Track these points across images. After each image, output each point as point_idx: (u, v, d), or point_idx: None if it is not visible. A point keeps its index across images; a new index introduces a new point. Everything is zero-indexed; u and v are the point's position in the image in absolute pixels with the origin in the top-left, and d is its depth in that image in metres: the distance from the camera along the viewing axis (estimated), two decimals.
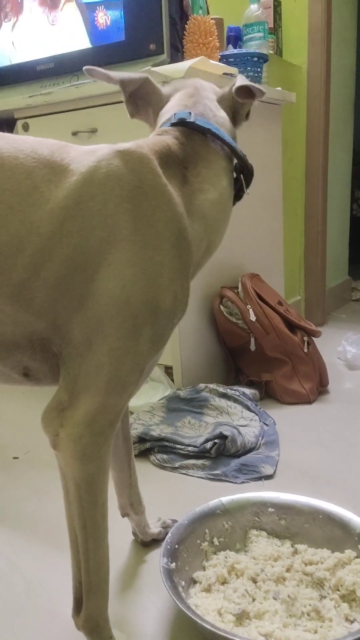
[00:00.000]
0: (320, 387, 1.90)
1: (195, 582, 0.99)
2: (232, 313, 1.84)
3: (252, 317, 1.79)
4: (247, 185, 0.94)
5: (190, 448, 1.47)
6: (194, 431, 1.57)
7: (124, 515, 1.09)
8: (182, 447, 1.48)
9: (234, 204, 0.94)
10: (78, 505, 0.72)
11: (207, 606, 0.92)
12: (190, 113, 0.87)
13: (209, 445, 1.46)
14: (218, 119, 0.91)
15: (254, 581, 0.97)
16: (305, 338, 1.87)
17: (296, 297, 2.70)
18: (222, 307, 1.85)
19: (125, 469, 1.06)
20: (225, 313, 1.84)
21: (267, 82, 2.16)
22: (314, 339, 1.94)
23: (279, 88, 2.21)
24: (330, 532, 1.05)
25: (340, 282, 3.02)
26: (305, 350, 1.84)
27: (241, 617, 0.89)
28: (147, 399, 1.75)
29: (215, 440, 1.46)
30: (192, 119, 0.85)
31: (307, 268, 2.70)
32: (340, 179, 2.90)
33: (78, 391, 0.71)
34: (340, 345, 2.23)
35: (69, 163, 0.72)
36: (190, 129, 0.86)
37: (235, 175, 0.94)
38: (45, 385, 0.79)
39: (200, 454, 1.46)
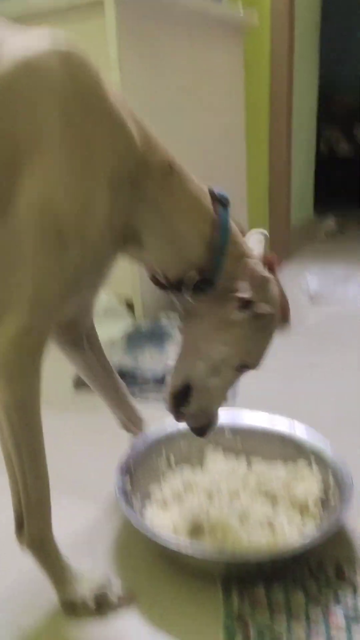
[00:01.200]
0: (282, 322, 1.90)
1: (150, 498, 1.00)
2: None
3: None
4: None
5: (151, 379, 1.46)
6: (155, 363, 1.56)
7: (127, 430, 1.09)
8: (143, 377, 1.47)
9: None
10: (8, 426, 0.71)
11: (162, 522, 0.92)
12: None
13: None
14: None
15: (209, 496, 0.97)
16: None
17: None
18: None
19: (108, 388, 1.04)
20: None
21: None
22: (279, 269, 1.92)
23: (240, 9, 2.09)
24: (284, 450, 1.06)
25: (305, 220, 2.99)
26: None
27: (196, 532, 0.90)
28: (107, 333, 1.72)
29: None
30: None
31: (271, 203, 2.66)
32: (307, 109, 2.83)
33: (1, 311, 0.68)
34: (303, 280, 2.23)
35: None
36: None
37: None
38: None
39: (161, 383, 1.45)
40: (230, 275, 0.78)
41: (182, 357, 0.86)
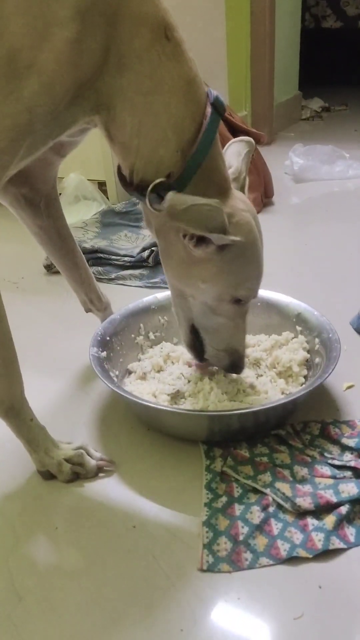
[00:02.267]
0: (264, 199, 1.81)
1: (130, 372, 0.96)
2: None
3: None
4: None
5: (126, 258, 1.39)
6: (130, 243, 1.48)
7: (87, 310, 1.05)
8: (118, 257, 1.39)
9: None
10: None
11: (141, 390, 0.89)
12: None
13: (146, 254, 1.37)
14: None
15: (190, 365, 0.94)
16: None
17: (242, 113, 2.49)
18: None
19: (72, 268, 0.98)
20: None
21: None
22: (259, 148, 1.80)
23: None
24: (268, 318, 1.02)
25: (289, 98, 2.79)
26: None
27: (176, 397, 0.87)
28: (79, 217, 1.62)
29: (153, 248, 1.37)
30: None
31: (253, 77, 2.45)
32: None
33: None
34: (287, 159, 2.10)
35: None
36: None
37: None
38: None
39: (138, 263, 1.38)
40: (195, 192, 0.67)
41: (175, 301, 0.80)
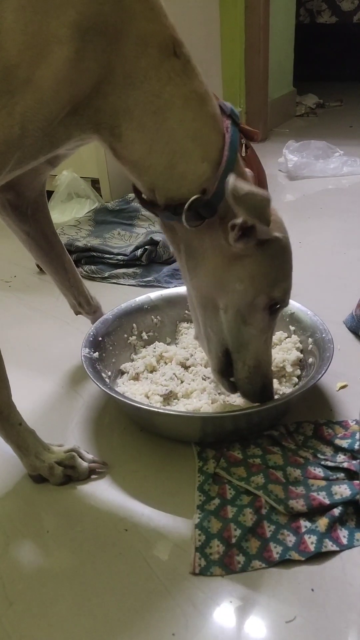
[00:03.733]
0: None
1: (122, 373, 0.95)
2: None
3: None
4: None
5: (119, 257, 1.38)
6: (123, 242, 1.47)
7: (77, 313, 1.04)
8: (111, 256, 1.39)
9: None
10: None
11: (134, 391, 0.88)
12: None
13: (139, 252, 1.37)
14: None
15: (183, 366, 0.93)
16: (243, 141, 1.71)
17: (237, 109, 2.47)
18: None
19: (61, 272, 0.97)
20: None
21: None
22: (254, 145, 1.79)
23: None
24: None
25: (284, 94, 2.78)
26: (243, 154, 1.69)
27: (169, 398, 0.87)
28: (72, 214, 1.61)
29: (146, 247, 1.37)
30: None
31: (248, 74, 2.44)
32: None
33: None
34: (281, 156, 2.09)
35: None
36: None
37: None
38: None
39: (131, 262, 1.37)
40: (227, 202, 0.64)
41: (203, 318, 0.75)
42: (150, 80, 0.61)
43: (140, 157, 0.65)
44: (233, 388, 0.79)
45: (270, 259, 0.71)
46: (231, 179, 0.60)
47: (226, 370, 0.78)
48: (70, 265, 0.98)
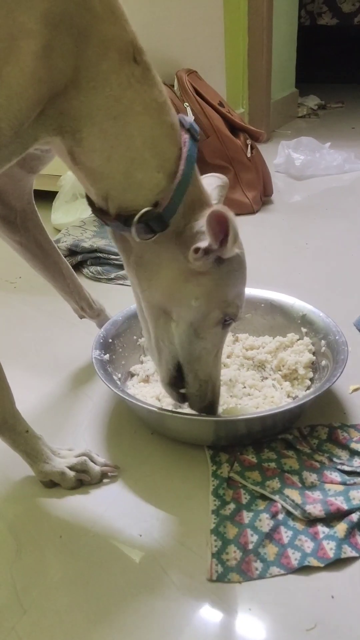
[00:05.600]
0: (264, 197, 1.79)
1: (132, 375, 0.94)
2: None
3: (190, 117, 1.60)
4: None
5: None
6: None
7: (81, 317, 1.03)
8: (117, 257, 1.37)
9: None
10: None
11: (145, 394, 0.87)
12: None
13: None
14: None
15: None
16: (249, 142, 1.71)
17: (239, 110, 2.47)
18: None
19: (59, 279, 0.96)
20: None
21: None
22: (258, 146, 1.79)
23: None
24: (272, 319, 1.00)
25: (286, 95, 2.78)
26: (249, 155, 1.69)
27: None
28: (77, 215, 1.60)
29: None
30: None
31: (251, 75, 2.44)
32: None
33: None
34: (287, 158, 2.08)
35: None
36: None
37: None
38: None
39: None
40: (183, 217, 0.64)
41: (155, 331, 0.73)
42: (112, 85, 0.59)
43: (99, 164, 0.62)
44: (182, 399, 0.78)
45: (227, 276, 0.69)
46: (212, 209, 0.59)
47: (176, 383, 0.77)
48: (68, 270, 0.97)
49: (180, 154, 0.63)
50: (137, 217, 0.62)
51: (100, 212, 0.67)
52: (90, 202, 0.68)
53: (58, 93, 0.57)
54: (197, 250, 0.64)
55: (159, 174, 0.63)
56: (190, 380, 0.75)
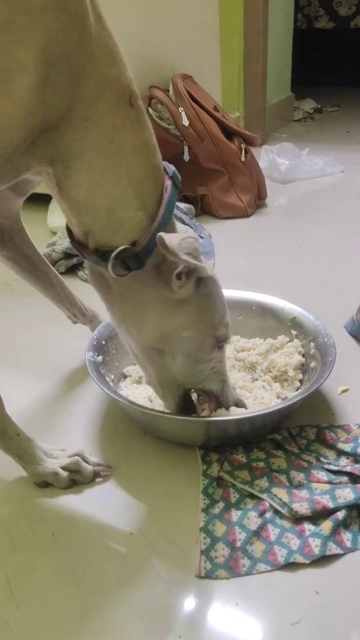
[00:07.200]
0: (258, 201, 1.81)
1: (125, 376, 0.96)
2: (163, 117, 1.65)
3: (185, 122, 1.62)
4: None
5: None
6: None
7: (74, 322, 1.06)
8: None
9: None
10: None
11: (137, 395, 0.89)
12: None
13: None
14: None
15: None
16: (243, 146, 1.73)
17: (235, 114, 2.49)
18: (151, 110, 1.66)
19: (49, 288, 0.99)
20: (154, 117, 1.65)
21: None
22: (252, 150, 1.81)
23: None
24: (263, 322, 1.02)
25: (282, 99, 2.80)
26: (243, 159, 1.71)
27: None
28: None
29: None
30: None
31: (246, 79, 2.46)
32: None
33: None
34: (276, 161, 2.10)
35: None
36: None
37: None
38: None
39: None
40: (161, 255, 0.65)
41: (152, 368, 0.76)
42: (106, 125, 0.61)
43: (84, 198, 0.63)
44: (196, 409, 0.83)
45: (208, 299, 0.72)
46: (161, 235, 0.61)
47: (185, 410, 0.81)
48: (58, 280, 0.99)
49: (162, 196, 0.66)
50: (114, 253, 0.64)
51: (78, 244, 0.68)
52: (70, 234, 0.70)
53: (50, 127, 0.59)
54: (179, 276, 0.66)
55: (140, 212, 0.65)
56: (211, 388, 0.80)
